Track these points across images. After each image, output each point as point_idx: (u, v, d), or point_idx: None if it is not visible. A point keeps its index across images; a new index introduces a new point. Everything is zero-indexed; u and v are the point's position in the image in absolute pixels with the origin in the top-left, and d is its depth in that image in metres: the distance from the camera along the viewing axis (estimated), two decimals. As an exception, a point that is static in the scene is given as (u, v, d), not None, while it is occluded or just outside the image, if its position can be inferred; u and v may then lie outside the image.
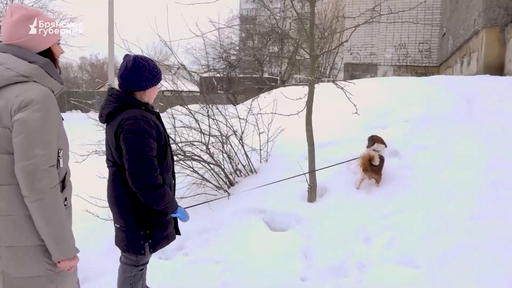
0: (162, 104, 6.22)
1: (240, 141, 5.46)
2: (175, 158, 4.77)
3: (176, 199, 2.73)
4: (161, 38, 5.02)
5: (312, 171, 4.59)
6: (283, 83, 19.60)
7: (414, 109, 6.25)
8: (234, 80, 20.84)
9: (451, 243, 3.49)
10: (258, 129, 5.70)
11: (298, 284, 3.44)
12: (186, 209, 2.78)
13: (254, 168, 5.53)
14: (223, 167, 5.23)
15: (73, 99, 8.63)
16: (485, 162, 4.46)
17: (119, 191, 2.60)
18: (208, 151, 5.13)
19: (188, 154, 5.12)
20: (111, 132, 2.55)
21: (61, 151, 1.94)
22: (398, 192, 4.41)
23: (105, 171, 2.85)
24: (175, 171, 3.05)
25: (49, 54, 1.99)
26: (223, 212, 4.57)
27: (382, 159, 4.58)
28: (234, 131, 5.47)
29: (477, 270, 3.14)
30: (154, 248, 2.66)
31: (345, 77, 17.14)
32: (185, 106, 5.35)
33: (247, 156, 5.48)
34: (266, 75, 20.79)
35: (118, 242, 2.73)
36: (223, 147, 5.30)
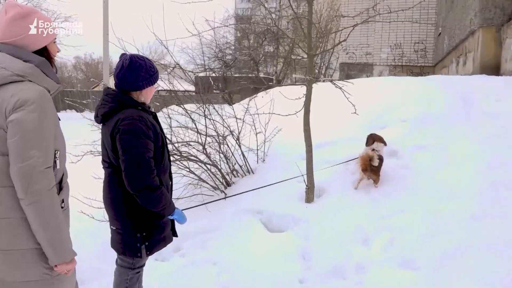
0: (158, 104, 6.18)
1: (237, 141, 5.42)
2: (171, 158, 4.72)
3: (172, 200, 2.68)
4: (157, 37, 4.98)
5: (310, 172, 4.55)
6: (278, 82, 19.58)
7: (412, 109, 6.24)
8: (230, 79, 20.81)
9: (450, 244, 3.47)
10: (255, 129, 5.66)
11: (297, 286, 3.40)
12: (183, 211, 2.74)
13: (251, 168, 5.49)
14: (219, 167, 5.19)
15: (67, 98, 8.56)
16: (485, 162, 4.45)
17: (115, 193, 2.55)
18: (204, 151, 5.08)
19: (185, 154, 5.07)
20: (107, 132, 2.49)
21: (58, 152, 1.90)
22: (397, 192, 4.39)
23: (100, 172, 2.80)
24: (172, 172, 3.01)
25: (45, 53, 1.95)
26: (220, 213, 4.53)
27: (381, 160, 4.56)
28: (231, 131, 5.43)
29: (477, 271, 3.12)
30: (151, 251, 2.61)
31: (340, 77, 17.17)
32: (181, 106, 5.30)
33: (244, 156, 5.44)
34: (261, 74, 20.75)
35: (114, 245, 2.67)
36: (219, 147, 5.26)
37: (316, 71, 19.07)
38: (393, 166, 4.86)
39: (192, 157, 5.10)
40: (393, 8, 4.53)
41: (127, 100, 2.48)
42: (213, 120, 5.28)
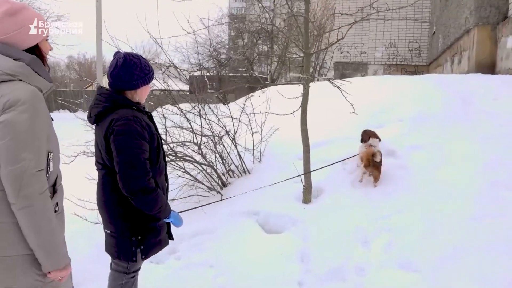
0: (152, 103, 6.10)
1: (233, 141, 5.36)
2: (166, 159, 4.65)
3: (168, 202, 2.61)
4: (151, 35, 4.90)
5: (307, 172, 4.50)
6: (273, 81, 19.54)
7: (409, 108, 6.22)
8: (224, 79, 20.75)
9: (450, 244, 3.44)
10: (251, 128, 5.60)
11: (296, 288, 3.35)
12: (179, 213, 2.67)
13: (247, 168, 5.43)
14: (215, 167, 5.12)
15: (60, 98, 8.45)
16: (483, 162, 4.42)
17: (109, 195, 2.47)
18: (200, 152, 5.02)
19: (180, 155, 5.00)
20: (100, 133, 2.42)
21: (51, 154, 1.83)
22: (396, 192, 4.34)
23: (93, 173, 2.73)
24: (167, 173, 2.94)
25: (36, 51, 1.88)
26: (216, 215, 4.46)
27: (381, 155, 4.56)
28: (226, 131, 5.36)
29: (477, 271, 3.10)
30: (146, 255, 2.54)
31: (335, 76, 17.18)
32: (176, 105, 5.23)
33: (240, 156, 5.38)
34: (255, 74, 20.70)
35: (108, 248, 2.60)
36: (215, 147, 5.20)
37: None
38: (391, 165, 4.82)
39: (188, 158, 5.03)
40: (388, 7, 4.53)
41: (121, 100, 2.41)
42: (209, 119, 5.21)
